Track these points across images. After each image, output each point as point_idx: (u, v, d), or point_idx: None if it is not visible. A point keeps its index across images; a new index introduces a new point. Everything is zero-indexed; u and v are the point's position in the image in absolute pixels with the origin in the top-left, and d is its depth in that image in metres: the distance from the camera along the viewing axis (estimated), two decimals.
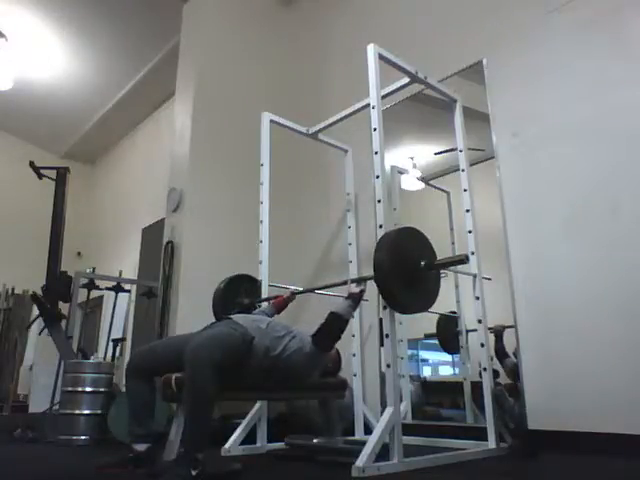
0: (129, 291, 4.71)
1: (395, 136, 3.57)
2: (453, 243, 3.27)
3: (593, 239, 2.61)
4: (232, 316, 2.27)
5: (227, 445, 2.60)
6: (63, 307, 3.89)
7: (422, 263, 2.22)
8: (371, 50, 2.57)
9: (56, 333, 3.72)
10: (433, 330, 3.29)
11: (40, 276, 3.94)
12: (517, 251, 2.89)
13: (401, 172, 3.74)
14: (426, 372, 3.52)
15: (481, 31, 3.34)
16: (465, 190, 2.90)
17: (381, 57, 2.59)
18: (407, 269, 2.18)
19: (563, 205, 2.76)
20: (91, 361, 3.44)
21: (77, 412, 3.20)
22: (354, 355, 3.31)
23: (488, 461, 2.34)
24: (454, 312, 3.21)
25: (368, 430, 2.96)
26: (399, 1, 4.09)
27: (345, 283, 2.37)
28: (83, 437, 3.16)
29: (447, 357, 3.40)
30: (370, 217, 2.97)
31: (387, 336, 2.19)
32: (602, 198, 2.61)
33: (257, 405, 2.77)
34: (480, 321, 2.68)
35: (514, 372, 2.74)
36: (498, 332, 2.84)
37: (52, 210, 4.11)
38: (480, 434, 2.55)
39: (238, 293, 2.85)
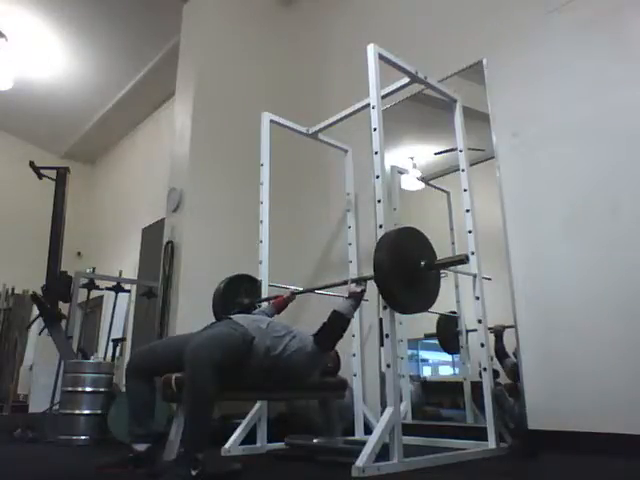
0: (129, 291, 4.70)
1: (395, 136, 3.57)
2: (453, 243, 3.27)
3: (593, 239, 2.61)
4: (232, 316, 2.27)
5: (227, 445, 2.60)
6: (63, 307, 3.89)
7: (422, 263, 2.22)
8: (371, 50, 2.57)
9: (56, 333, 3.72)
10: (433, 330, 3.29)
11: (40, 276, 3.94)
12: (517, 251, 2.89)
13: (401, 172, 3.74)
14: (426, 372, 3.52)
15: (481, 31, 3.34)
16: (465, 190, 2.90)
17: (381, 57, 2.59)
18: (407, 269, 2.18)
19: (563, 205, 2.76)
20: (91, 361, 3.44)
21: (77, 412, 3.20)
22: (354, 355, 3.31)
23: (488, 461, 2.34)
24: (454, 312, 3.21)
25: (368, 430, 2.96)
26: (399, 1, 4.09)
27: (345, 283, 2.37)
28: (83, 437, 3.16)
29: (447, 357, 3.40)
30: (370, 217, 2.97)
31: (387, 336, 2.19)
32: (602, 198, 2.61)
33: (257, 405, 2.77)
34: (480, 321, 2.68)
35: (514, 372, 2.74)
36: (498, 332, 2.84)
37: (52, 210, 4.11)
38: (480, 434, 2.55)
39: (238, 293, 2.85)
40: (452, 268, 2.77)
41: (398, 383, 2.23)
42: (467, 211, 2.87)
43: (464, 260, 2.26)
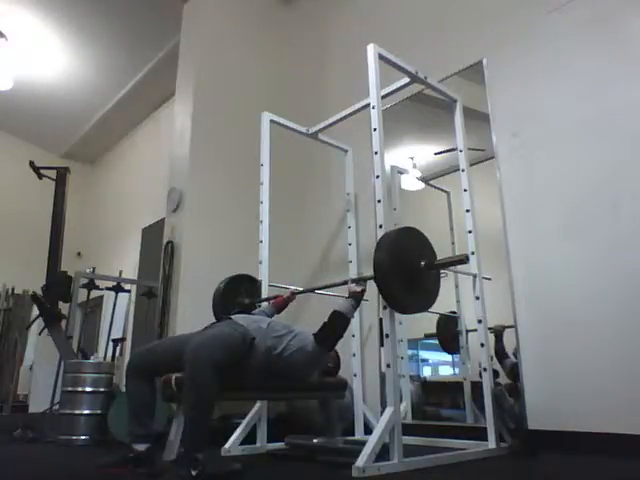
0: (129, 291, 4.70)
1: (395, 136, 3.57)
2: (453, 243, 3.27)
3: (593, 239, 2.61)
4: (232, 316, 2.28)
5: (227, 445, 2.60)
6: (63, 307, 3.89)
7: (422, 263, 2.22)
8: (371, 50, 2.57)
9: (56, 333, 3.72)
10: (433, 330, 3.29)
11: (40, 276, 3.94)
12: (517, 251, 2.89)
13: (401, 172, 3.74)
14: (426, 372, 3.52)
15: (481, 31, 3.34)
16: (465, 190, 2.91)
17: (381, 57, 2.59)
18: (407, 269, 2.18)
19: (563, 205, 2.76)
20: (91, 361, 3.44)
21: (77, 412, 3.20)
22: (354, 355, 3.31)
23: (488, 461, 2.34)
24: (454, 312, 3.21)
25: (368, 430, 2.96)
26: (399, 1, 4.08)
27: (345, 283, 2.38)
28: (83, 437, 3.16)
29: (447, 357, 3.40)
30: (370, 217, 2.96)
31: (387, 336, 2.19)
32: (602, 198, 2.61)
33: (257, 405, 2.77)
34: (480, 321, 2.68)
35: (514, 372, 2.74)
36: (498, 332, 2.84)
37: (52, 210, 4.12)
38: (480, 434, 2.55)
39: (238, 293, 2.85)
40: (452, 268, 2.78)
41: (398, 383, 2.23)
42: (467, 211, 2.87)
43: (464, 260, 2.26)
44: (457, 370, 3.34)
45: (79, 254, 7.75)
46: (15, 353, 5.91)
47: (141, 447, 2.03)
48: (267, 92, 4.46)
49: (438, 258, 2.30)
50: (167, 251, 3.85)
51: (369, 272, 2.20)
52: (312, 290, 3.04)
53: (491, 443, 2.49)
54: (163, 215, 4.22)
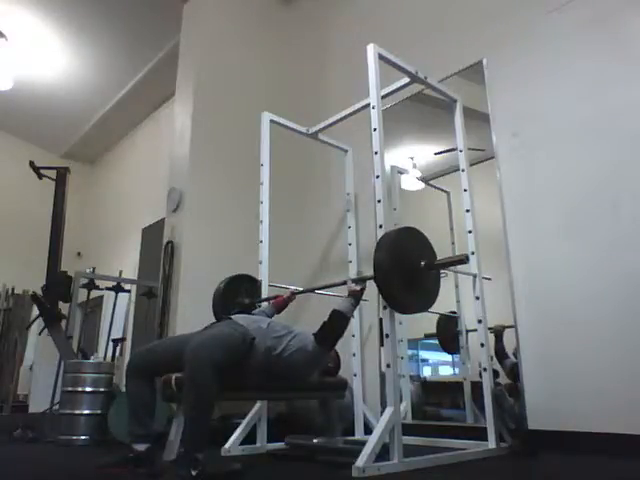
0: (129, 291, 4.70)
1: (395, 136, 3.57)
2: (453, 243, 3.27)
3: (593, 239, 2.61)
4: (232, 316, 2.28)
5: (227, 445, 2.60)
6: (63, 307, 3.89)
7: (422, 263, 2.22)
8: (371, 50, 2.57)
9: (56, 333, 3.72)
10: (433, 330, 3.29)
11: (40, 276, 3.94)
12: (517, 251, 2.89)
13: (401, 172, 3.74)
14: (426, 372, 3.52)
15: (481, 31, 3.34)
16: (465, 190, 2.91)
17: (381, 57, 2.59)
18: (407, 269, 2.18)
19: (563, 205, 2.76)
20: (91, 361, 3.44)
21: (77, 412, 3.20)
22: (354, 355, 3.31)
23: (488, 461, 2.34)
24: (454, 312, 3.21)
25: (368, 430, 2.96)
26: (399, 1, 4.08)
27: (345, 283, 2.37)
28: (83, 437, 3.16)
29: (447, 357, 3.40)
30: (370, 217, 2.97)
31: (387, 336, 2.19)
32: (602, 198, 2.61)
33: (257, 405, 2.77)
34: (480, 321, 2.68)
35: (514, 372, 2.74)
36: (498, 332, 2.84)
37: (52, 210, 4.12)
38: (480, 434, 2.55)
39: (238, 293, 2.85)
40: (452, 268, 2.78)
41: (398, 383, 2.23)
42: (467, 211, 2.87)
43: (464, 260, 2.26)
44: (457, 370, 3.34)
45: (79, 254, 7.75)
46: (15, 353, 5.91)
47: (141, 447, 2.03)
48: (267, 92, 4.46)
49: (438, 258, 2.30)
50: (167, 251, 3.85)
51: (369, 272, 2.20)
52: (312, 290, 3.04)
53: (491, 443, 2.49)
54: (163, 215, 4.22)
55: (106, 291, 4.47)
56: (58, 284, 3.86)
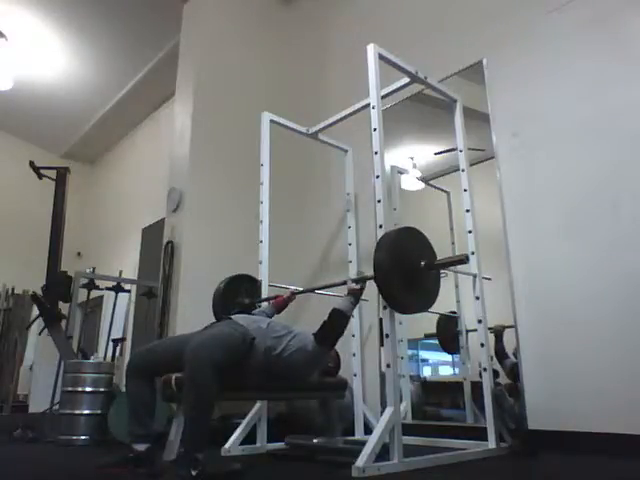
0: (129, 291, 4.70)
1: (395, 136, 3.57)
2: (453, 243, 3.27)
3: (593, 239, 2.61)
4: (232, 316, 2.28)
5: (227, 445, 2.60)
6: (63, 307, 3.89)
7: (422, 263, 2.22)
8: (371, 50, 2.57)
9: (56, 333, 3.72)
10: (433, 330, 3.29)
11: (40, 276, 3.94)
12: (517, 251, 2.89)
13: (401, 172, 3.74)
14: (426, 372, 3.52)
15: (481, 31, 3.34)
16: (465, 190, 2.91)
17: (381, 57, 2.59)
18: (407, 269, 2.18)
19: (563, 205, 2.76)
20: (91, 361, 3.44)
21: (77, 412, 3.20)
22: (354, 355, 3.31)
23: (488, 461, 2.34)
24: (454, 312, 3.21)
25: (368, 430, 2.96)
26: (399, 1, 4.08)
27: (345, 283, 2.37)
28: (83, 437, 3.16)
29: (447, 357, 3.40)
30: (370, 217, 2.97)
31: (387, 336, 2.19)
32: (602, 198, 2.61)
33: (257, 405, 2.77)
34: (480, 321, 2.68)
35: (514, 372, 2.74)
36: (498, 332, 2.84)
37: (52, 210, 4.12)
38: (480, 434, 2.55)
39: (238, 293, 2.85)
40: (452, 268, 2.78)
41: (398, 383, 2.23)
42: (467, 211, 2.87)
43: (464, 260, 2.26)
44: (457, 370, 3.34)
45: (79, 254, 7.75)
46: (15, 353, 5.91)
47: (141, 447, 2.03)
48: (267, 92, 4.46)
49: (438, 258, 2.30)
50: (167, 251, 3.85)
51: (369, 272, 2.20)
52: (312, 290, 3.04)
53: (491, 443, 2.49)
54: (163, 215, 4.22)
55: (106, 291, 4.47)
56: (58, 284, 3.86)
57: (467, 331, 3.11)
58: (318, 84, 4.56)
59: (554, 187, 2.82)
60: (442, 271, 2.43)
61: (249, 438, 2.69)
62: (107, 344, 4.30)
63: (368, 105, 2.56)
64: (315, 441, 2.49)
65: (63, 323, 3.82)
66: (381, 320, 2.36)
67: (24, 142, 7.69)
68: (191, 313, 3.49)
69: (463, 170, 2.95)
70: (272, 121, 3.30)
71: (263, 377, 2.16)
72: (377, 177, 2.39)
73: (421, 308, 2.34)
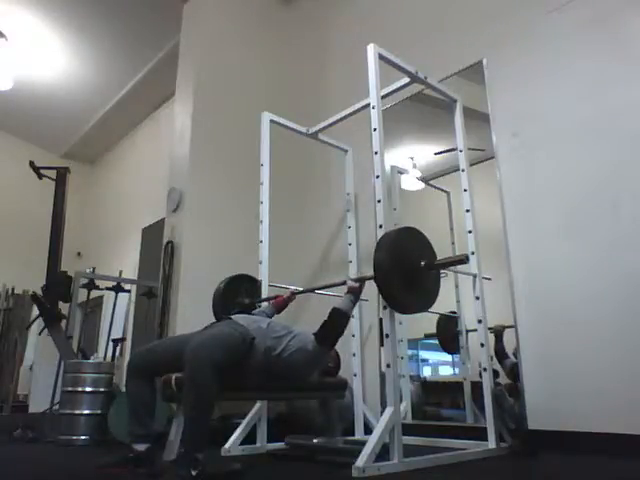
0: (129, 291, 4.70)
1: (395, 136, 3.57)
2: (453, 243, 3.27)
3: (593, 239, 2.61)
4: (232, 316, 2.28)
5: (227, 445, 2.60)
6: (63, 307, 3.89)
7: (422, 263, 2.22)
8: (371, 50, 2.57)
9: (56, 333, 3.72)
10: (433, 330, 3.29)
11: (40, 276, 3.94)
12: (517, 251, 2.89)
13: (401, 172, 3.74)
14: (426, 372, 3.52)
15: (481, 31, 3.34)
16: (465, 190, 2.91)
17: (381, 57, 2.59)
18: (407, 269, 2.18)
19: (563, 205, 2.76)
20: (91, 361, 3.44)
21: (77, 412, 3.20)
22: (354, 355, 3.31)
23: (488, 461, 2.34)
24: (454, 312, 3.21)
25: (368, 430, 2.96)
26: (399, 1, 4.08)
27: (345, 283, 2.37)
28: (83, 437, 3.16)
29: (447, 357, 3.40)
30: (370, 217, 2.97)
31: (387, 336, 2.19)
32: (602, 198, 2.61)
33: (257, 405, 2.77)
34: (480, 321, 2.68)
35: (514, 372, 2.74)
36: (498, 332, 2.84)
37: (52, 210, 4.12)
38: (480, 434, 2.55)
39: (238, 293, 2.85)
40: (452, 268, 2.77)
41: (398, 383, 2.22)
42: (467, 211, 2.87)
43: (464, 260, 2.26)
44: (457, 370, 3.34)
45: (79, 254, 7.75)
46: (15, 353, 5.92)
47: (141, 447, 2.03)
48: (267, 92, 4.46)
49: (438, 258, 2.30)
50: (167, 251, 3.85)
51: (369, 272, 2.20)
52: (312, 290, 3.04)
53: (491, 443, 2.49)
54: (163, 215, 4.23)
55: (106, 291, 4.47)
56: (58, 284, 3.86)
57: (467, 331, 3.11)
58: (318, 84, 4.56)
59: (554, 187, 2.82)
60: (442, 271, 2.43)
61: (249, 438, 2.69)
62: (107, 344, 4.30)
63: (368, 105, 2.56)
64: (315, 441, 2.49)
65: (63, 323, 3.82)
66: (381, 320, 2.36)
67: (24, 142, 7.69)
68: (191, 313, 3.49)
69: (463, 170, 2.95)
70: (272, 121, 3.30)
71: (263, 377, 2.16)
72: (377, 177, 2.39)
73: (421, 308, 2.34)
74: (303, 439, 2.61)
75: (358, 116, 3.20)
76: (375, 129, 2.45)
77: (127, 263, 5.94)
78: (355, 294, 2.26)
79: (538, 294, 2.76)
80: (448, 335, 3.23)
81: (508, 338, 2.82)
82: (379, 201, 2.35)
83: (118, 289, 4.35)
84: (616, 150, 2.62)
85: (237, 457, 2.51)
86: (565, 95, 2.86)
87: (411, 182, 3.74)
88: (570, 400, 2.53)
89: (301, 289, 2.87)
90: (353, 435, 3.06)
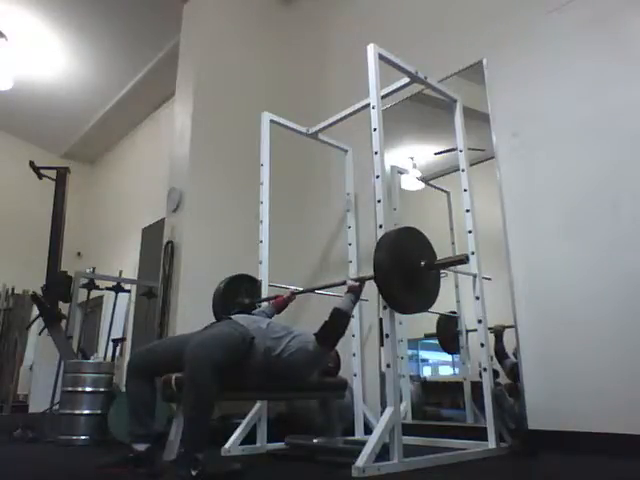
0: (129, 291, 4.70)
1: (395, 136, 3.57)
2: (453, 243, 3.27)
3: (593, 239, 2.61)
4: (232, 316, 2.28)
5: (227, 445, 2.60)
6: (63, 307, 3.89)
7: (422, 263, 2.22)
8: (371, 50, 2.57)
9: (56, 333, 3.72)
10: (433, 330, 3.29)
11: (40, 276, 3.94)
12: (517, 251, 2.89)
13: (401, 172, 3.74)
14: (426, 372, 3.52)
15: (481, 31, 3.34)
16: (465, 190, 2.91)
17: (381, 57, 2.59)
18: (407, 269, 2.18)
19: (563, 205, 2.76)
20: (91, 361, 3.44)
21: (77, 412, 3.20)
22: (354, 355, 3.31)
23: (488, 461, 2.34)
24: (454, 312, 3.21)
25: (368, 430, 2.96)
26: (399, 1, 4.08)
27: (345, 283, 2.37)
28: (83, 437, 3.16)
29: (447, 357, 3.40)
30: (370, 217, 2.97)
31: (387, 336, 2.19)
32: (602, 198, 2.61)
33: (257, 405, 2.77)
34: (480, 321, 2.68)
35: (514, 372, 2.74)
36: (498, 332, 2.84)
37: (52, 210, 4.12)
38: (480, 434, 2.55)
39: (238, 293, 2.85)
40: (452, 268, 2.77)
41: (398, 383, 2.22)
42: (467, 211, 2.87)
43: (464, 260, 2.26)
44: (457, 370, 3.34)
45: (79, 254, 7.75)
46: (15, 353, 5.92)
47: (141, 447, 2.03)
48: (267, 92, 4.46)
49: (438, 258, 2.30)
50: (167, 251, 3.85)
51: (369, 272, 2.20)
52: (312, 290, 3.04)
53: (491, 443, 2.49)
54: (163, 215, 4.23)
55: (106, 291, 4.47)
56: (58, 284, 3.86)
57: (467, 331, 3.11)
58: (318, 84, 4.56)
59: (554, 187, 2.82)
60: (442, 271, 2.43)
61: (249, 438, 2.69)
62: (107, 344, 4.30)
63: (368, 105, 2.56)
64: (315, 441, 2.49)
65: (63, 323, 3.82)
66: (381, 320, 2.36)
67: (24, 142, 7.69)
68: (191, 313, 3.49)
69: (463, 170, 2.95)
70: (272, 121, 3.30)
71: (263, 377, 2.16)
72: (377, 177, 2.39)
73: (421, 308, 2.34)
74: (303, 439, 2.61)
75: (358, 116, 3.19)
76: (375, 129, 2.45)
77: (127, 263, 5.94)
78: (355, 293, 2.26)
79: (538, 294, 2.76)
80: (448, 335, 3.23)
81: (508, 338, 2.82)
82: (379, 201, 2.35)
83: (118, 289, 4.35)
84: (616, 150, 2.62)
85: (237, 457, 2.51)
86: (565, 95, 2.86)
87: (411, 182, 3.74)
88: (570, 400, 2.53)
89: (301, 289, 2.86)
90: (353, 435, 3.06)
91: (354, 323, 3.34)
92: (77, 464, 2.54)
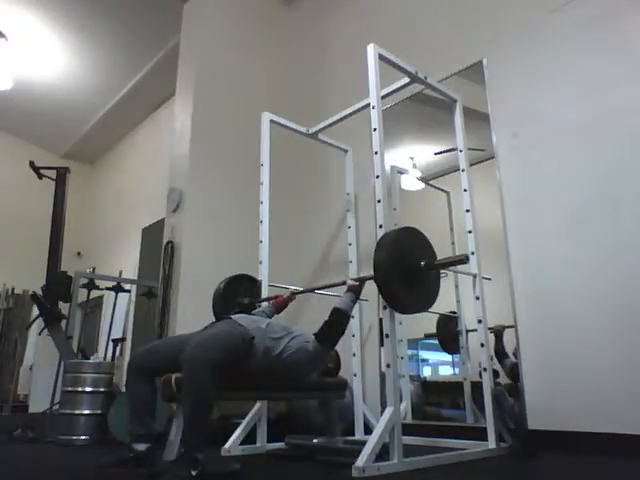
0: (129, 291, 4.70)
1: (395, 136, 3.57)
2: (453, 243, 3.27)
3: (593, 239, 2.61)
4: (232, 316, 2.28)
5: (227, 445, 2.60)
6: (63, 307, 3.89)
7: (422, 263, 2.22)
8: (371, 50, 2.57)
9: (56, 333, 3.72)
10: (433, 330, 3.29)
11: (40, 276, 3.94)
12: (517, 251, 2.89)
13: (401, 172, 3.74)
14: (426, 372, 3.52)
15: (481, 31, 3.34)
16: (465, 190, 2.91)
17: (381, 57, 2.59)
18: (407, 269, 2.18)
19: (563, 205, 2.76)
20: (91, 361, 3.44)
21: (77, 412, 3.20)
22: (354, 355, 3.31)
23: (488, 461, 2.34)
24: (454, 312, 3.21)
25: (368, 430, 2.96)
26: (400, 1, 4.08)
27: (344, 283, 2.37)
28: (83, 437, 3.16)
29: (447, 357, 3.40)
30: (370, 217, 2.97)
31: (387, 336, 2.19)
32: (602, 198, 2.61)
33: (257, 405, 2.77)
34: (480, 321, 2.68)
35: (514, 372, 2.74)
36: (498, 332, 2.84)
37: (52, 210, 4.12)
38: (480, 434, 2.55)
39: (238, 293, 2.85)
40: (452, 268, 2.77)
41: (398, 383, 2.23)
42: (467, 211, 2.86)
43: (464, 260, 2.26)
44: (457, 370, 3.34)
45: (79, 254, 7.76)
46: (15, 353, 5.92)
47: (141, 447, 2.03)
48: (267, 92, 4.46)
49: (438, 258, 2.30)
50: (167, 251, 3.85)
51: (369, 272, 2.20)
52: (312, 290, 3.04)
53: (491, 443, 2.49)
54: (163, 215, 4.23)
55: (106, 291, 4.47)
56: (58, 284, 3.86)
57: (467, 331, 3.11)
58: (318, 84, 4.56)
59: (554, 187, 2.82)
60: (442, 271, 2.43)
61: (249, 438, 2.69)
62: (107, 344, 4.30)
63: (368, 105, 2.56)
64: (315, 441, 2.49)
65: (63, 323, 3.82)
66: (381, 320, 2.36)
67: (24, 142, 7.70)
68: (191, 313, 3.49)
69: (463, 170, 2.95)
70: (272, 121, 3.30)
71: (263, 377, 2.16)
72: (377, 177, 2.39)
73: (421, 308, 2.34)
74: (303, 439, 2.61)
75: (358, 116, 3.20)
76: (375, 129, 2.45)
77: (127, 263, 5.94)
78: (355, 293, 2.26)
79: (538, 294, 2.76)
80: (448, 335, 3.23)
81: (508, 338, 2.82)
82: (379, 201, 2.35)
83: (118, 289, 4.35)
84: (616, 150, 2.62)
85: (237, 457, 2.51)
86: (565, 95, 2.85)
87: (411, 182, 3.74)
88: (570, 400, 2.53)
89: (301, 289, 2.86)
90: (353, 435, 3.06)
91: (354, 323, 3.34)
92: (77, 464, 2.54)
